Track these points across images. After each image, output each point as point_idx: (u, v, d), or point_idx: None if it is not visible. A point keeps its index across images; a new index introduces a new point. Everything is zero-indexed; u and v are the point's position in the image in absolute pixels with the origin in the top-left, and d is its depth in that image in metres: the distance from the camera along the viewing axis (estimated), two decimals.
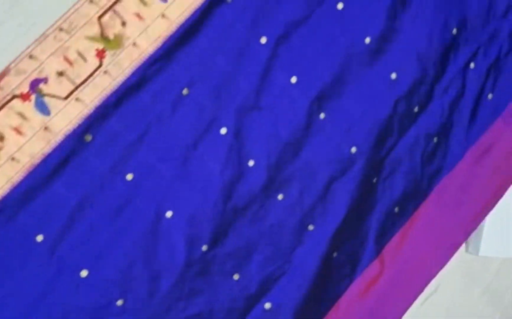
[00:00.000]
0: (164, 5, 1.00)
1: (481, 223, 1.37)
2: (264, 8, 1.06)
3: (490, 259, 1.47)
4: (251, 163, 1.06)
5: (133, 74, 0.98)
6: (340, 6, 1.13)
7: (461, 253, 1.34)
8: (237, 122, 1.05)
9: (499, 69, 1.30)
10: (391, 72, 1.17)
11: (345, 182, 1.15)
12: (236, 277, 1.09)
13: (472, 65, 1.27)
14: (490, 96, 1.30)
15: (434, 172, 1.26)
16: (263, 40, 1.06)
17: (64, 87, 0.95)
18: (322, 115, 1.12)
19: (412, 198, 1.24)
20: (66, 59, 0.95)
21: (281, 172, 1.09)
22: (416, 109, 1.21)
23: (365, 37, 1.14)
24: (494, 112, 1.31)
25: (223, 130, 1.04)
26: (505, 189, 1.38)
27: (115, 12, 0.97)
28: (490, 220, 1.38)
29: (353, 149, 1.15)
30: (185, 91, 1.02)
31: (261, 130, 1.07)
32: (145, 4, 0.99)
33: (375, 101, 1.15)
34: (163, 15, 1.00)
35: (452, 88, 1.26)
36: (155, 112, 1.00)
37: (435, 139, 1.25)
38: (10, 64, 0.91)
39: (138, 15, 0.99)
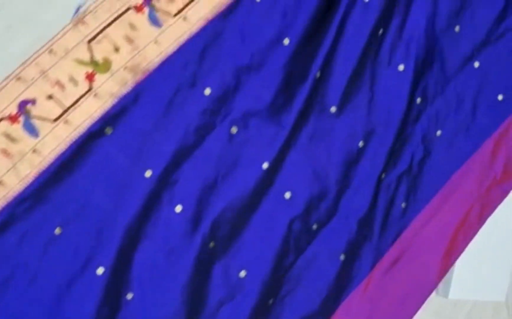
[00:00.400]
0: (35, 140, 0.95)
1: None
2: (149, 140, 1.01)
3: (461, 302, 1.44)
4: (129, 296, 1.01)
5: None
6: (234, 130, 1.08)
7: (431, 295, 1.31)
8: (116, 259, 0.99)
9: (412, 177, 1.26)
10: (285, 192, 1.12)
11: (236, 306, 1.10)
12: None
13: (383, 175, 1.23)
14: (403, 205, 1.26)
15: (341, 287, 1.22)
16: (148, 173, 1.01)
17: None
18: (211, 244, 1.07)
19: (317, 316, 1.20)
20: None
21: (165, 304, 1.04)
22: (315, 227, 1.16)
23: (262, 163, 1.09)
24: (406, 221, 1.27)
25: (100, 270, 0.99)
26: (420, 298, 1.34)
27: None
28: (460, 263, 1.34)
29: (242, 273, 1.10)
30: (57, 231, 0.96)
31: (143, 261, 1.02)
32: (13, 140, 0.94)
33: (268, 223, 1.11)
34: (34, 150, 0.95)
35: (361, 201, 1.21)
36: (23, 254, 0.94)
37: (341, 257, 1.21)
38: None
39: (5, 152, 0.94)
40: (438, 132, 1.27)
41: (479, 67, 1.26)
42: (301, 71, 1.11)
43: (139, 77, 1.00)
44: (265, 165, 1.10)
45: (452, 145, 1.28)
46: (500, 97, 1.28)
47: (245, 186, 1.09)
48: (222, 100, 1.07)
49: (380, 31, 1.16)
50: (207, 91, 1.04)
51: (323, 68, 1.13)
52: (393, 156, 1.23)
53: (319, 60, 1.10)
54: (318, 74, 1.11)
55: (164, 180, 1.03)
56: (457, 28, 1.23)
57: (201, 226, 1.06)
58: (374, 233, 1.23)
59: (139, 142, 1.01)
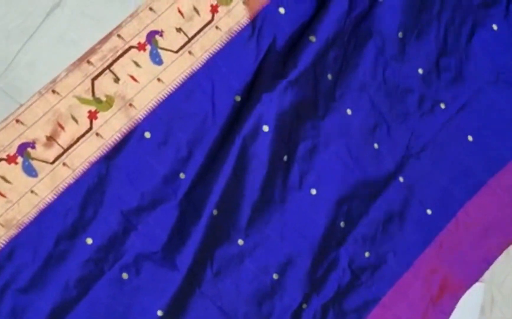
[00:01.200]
0: None
1: None
2: (24, 298, 0.96)
3: None
4: None
5: None
6: (125, 276, 1.02)
7: None
8: None
9: (339, 303, 1.17)
10: None
11: None
12: None
13: (304, 305, 1.13)
14: None
15: None
16: None
17: None
18: None
19: None
20: None
21: None
22: None
23: (156, 310, 1.02)
24: None
25: None
26: None
27: None
28: None
29: None
30: None
31: None
32: None
33: None
34: None
35: None
36: None
37: None
38: None
39: None
40: (367, 254, 1.18)
41: (404, 181, 1.17)
42: (196, 207, 1.04)
43: (13, 232, 0.95)
44: (160, 313, 1.02)
45: (380, 266, 1.19)
46: (429, 212, 1.18)
47: None
48: (109, 246, 1.00)
49: (285, 158, 1.09)
50: (89, 241, 0.98)
51: (225, 201, 1.05)
52: (315, 284, 1.14)
53: (214, 196, 1.04)
54: (215, 212, 1.04)
55: None
56: (376, 145, 1.15)
57: None
58: None
59: (13, 302, 0.94)
